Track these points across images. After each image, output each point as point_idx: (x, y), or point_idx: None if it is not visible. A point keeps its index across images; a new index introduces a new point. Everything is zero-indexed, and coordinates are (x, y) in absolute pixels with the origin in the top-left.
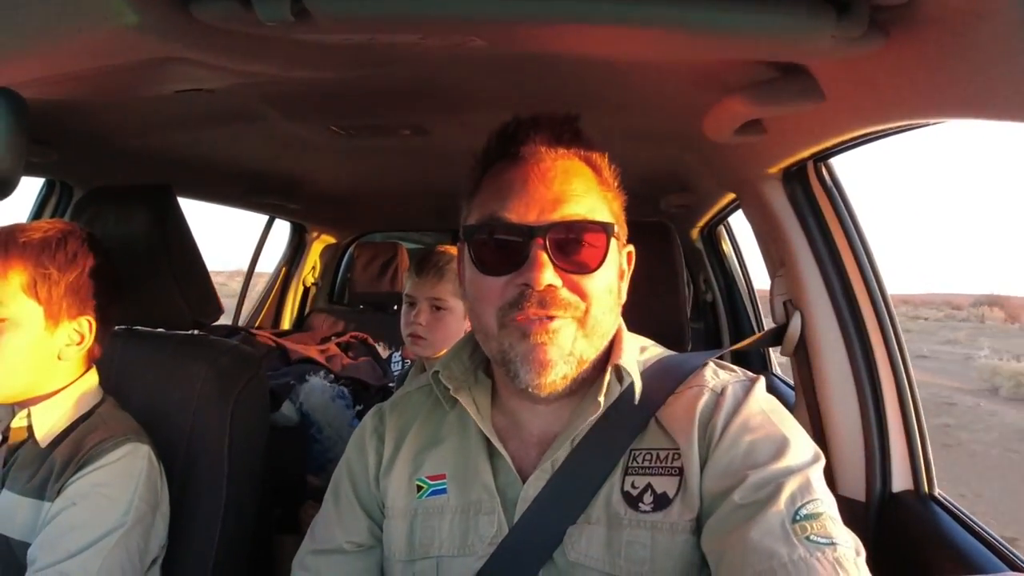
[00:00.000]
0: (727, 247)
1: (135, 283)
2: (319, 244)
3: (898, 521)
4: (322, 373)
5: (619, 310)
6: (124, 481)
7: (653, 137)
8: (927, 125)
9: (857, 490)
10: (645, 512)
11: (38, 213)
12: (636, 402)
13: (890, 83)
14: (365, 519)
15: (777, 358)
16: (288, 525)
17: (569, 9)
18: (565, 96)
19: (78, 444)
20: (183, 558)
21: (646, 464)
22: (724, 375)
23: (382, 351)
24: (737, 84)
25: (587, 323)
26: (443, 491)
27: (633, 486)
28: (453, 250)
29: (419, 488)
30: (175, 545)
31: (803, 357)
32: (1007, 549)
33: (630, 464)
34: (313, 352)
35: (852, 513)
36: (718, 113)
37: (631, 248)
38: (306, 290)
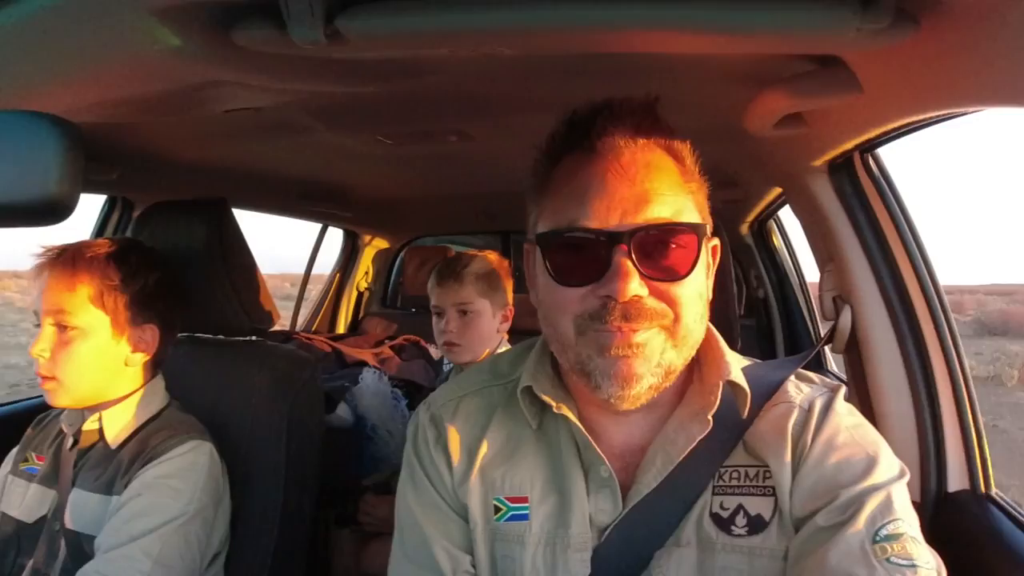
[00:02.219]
0: (778, 242)
1: (195, 293)
2: (371, 249)
3: (953, 522)
4: (376, 375)
5: (707, 314)
6: (187, 474)
7: (694, 134)
8: (967, 114)
9: (911, 490)
10: (739, 536)
11: (101, 229)
12: (745, 417)
13: (925, 72)
14: (463, 525)
15: (831, 354)
16: (343, 518)
17: (592, 15)
18: (602, 96)
19: (144, 443)
20: (244, 554)
21: (734, 483)
22: (806, 388)
23: (434, 353)
24: (774, 78)
25: (677, 332)
26: (524, 517)
27: (723, 507)
28: (472, 252)
29: (497, 509)
30: (236, 541)
31: (854, 354)
32: None
33: (717, 483)
34: (367, 355)
35: None
36: (758, 108)
37: (716, 241)
38: (360, 295)
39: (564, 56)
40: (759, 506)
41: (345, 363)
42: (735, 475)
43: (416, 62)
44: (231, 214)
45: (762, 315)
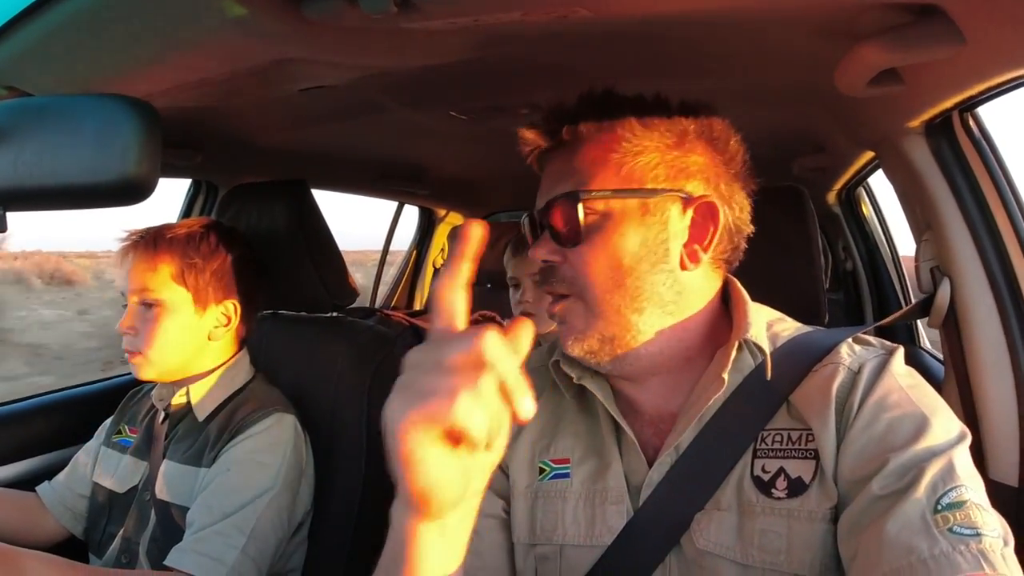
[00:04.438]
0: (868, 211)
1: (278, 271)
2: (446, 226)
3: None
4: None
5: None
6: (273, 448)
7: (779, 96)
8: None
9: (1009, 474)
10: (779, 499)
11: (187, 211)
12: (768, 379)
13: None
14: (507, 486)
15: (926, 331)
16: None
17: None
18: (680, 60)
19: (231, 416)
20: (326, 524)
21: (777, 446)
22: (861, 351)
23: None
24: (867, 31)
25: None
26: (566, 475)
27: (764, 470)
28: None
29: (541, 471)
30: (319, 512)
31: (952, 329)
32: None
33: (759, 446)
34: None
35: (1002, 500)
36: (849, 64)
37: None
38: (436, 271)
39: (635, 20)
40: (800, 469)
41: (422, 338)
42: (777, 438)
43: (486, 31)
44: (310, 194)
45: (851, 289)
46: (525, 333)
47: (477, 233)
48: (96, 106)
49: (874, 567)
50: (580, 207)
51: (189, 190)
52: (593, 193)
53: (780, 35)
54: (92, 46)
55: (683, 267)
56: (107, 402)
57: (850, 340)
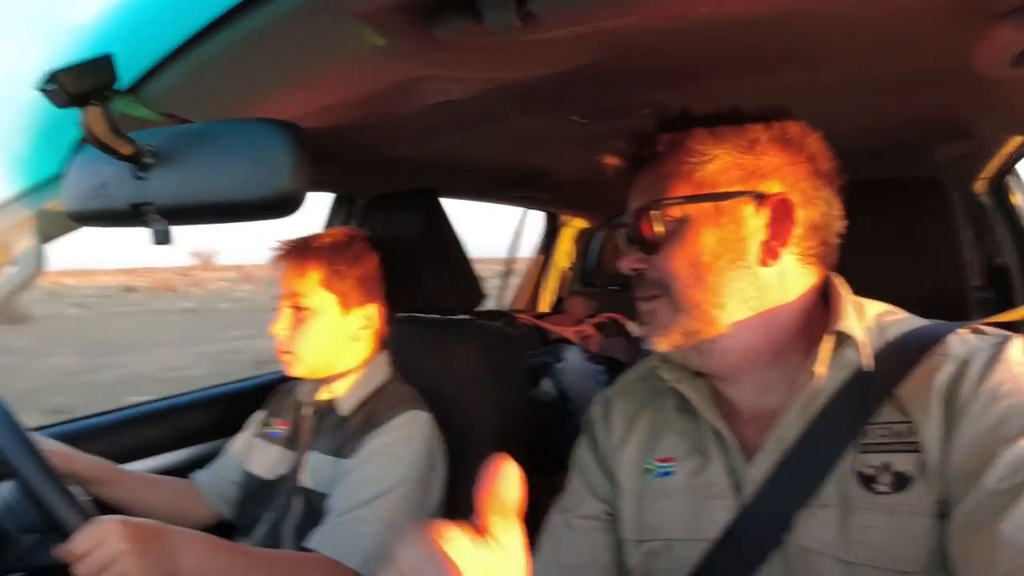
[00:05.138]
0: (1018, 200)
1: (412, 276)
2: (571, 230)
3: None
4: (578, 352)
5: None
6: (408, 442)
7: (914, 82)
8: None
9: None
10: (882, 493)
11: (330, 222)
12: (866, 370)
13: None
14: (613, 490)
15: None
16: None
17: None
18: (806, 50)
19: (370, 412)
20: (457, 518)
21: (881, 440)
22: (974, 340)
23: (632, 330)
24: (1007, 5)
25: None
26: (670, 473)
27: (868, 465)
28: None
29: (647, 471)
30: (450, 506)
31: None
32: None
33: (863, 441)
34: (569, 332)
35: None
36: (989, 44)
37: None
38: (561, 274)
39: (762, 12)
40: (904, 463)
41: (548, 340)
42: (882, 432)
43: (605, 37)
44: (439, 203)
45: (1003, 285)
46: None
47: (509, 478)
48: (249, 129)
49: (988, 567)
50: (657, 215)
51: (332, 203)
52: (668, 201)
53: (907, 19)
54: (243, 75)
55: (762, 263)
56: (258, 397)
57: (963, 330)
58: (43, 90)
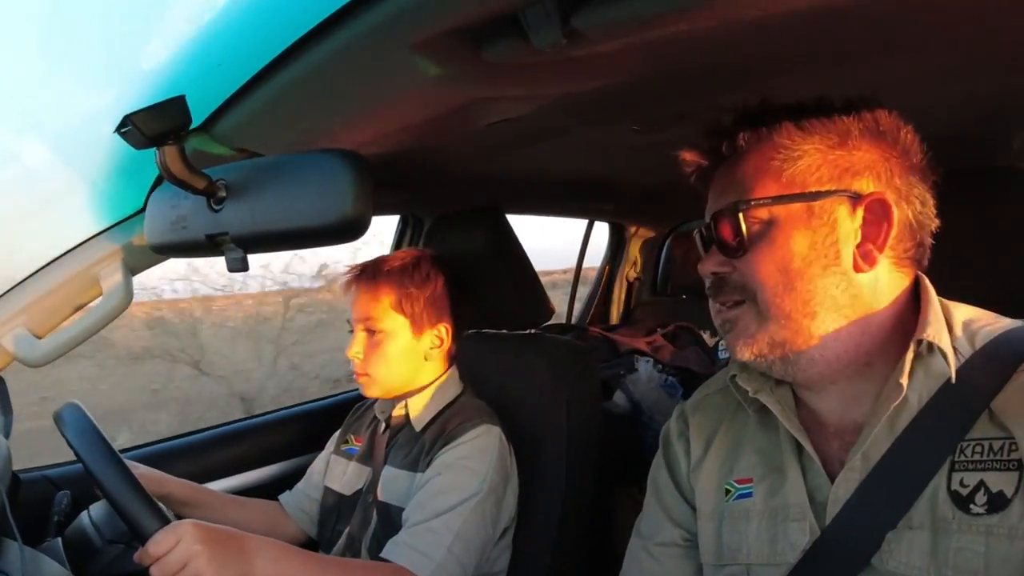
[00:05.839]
0: None
1: (480, 293)
2: (638, 240)
3: None
4: (650, 363)
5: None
6: (481, 455)
7: (985, 69)
8: None
9: None
10: (978, 515)
11: (398, 243)
12: (954, 381)
13: None
14: (692, 513)
15: None
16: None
17: None
18: (865, 43)
19: (443, 426)
20: (529, 530)
21: (977, 457)
22: None
23: (708, 339)
24: None
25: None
26: (749, 495)
27: (962, 484)
28: None
29: (727, 492)
30: (523, 518)
31: None
32: None
33: (957, 458)
34: (640, 343)
35: None
36: None
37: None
38: (629, 285)
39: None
40: (1001, 481)
41: (619, 352)
42: (978, 449)
43: (655, 46)
44: (505, 219)
45: None
46: None
47: None
48: (315, 160)
49: None
50: (743, 217)
51: (399, 224)
52: (755, 202)
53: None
54: (308, 109)
55: (857, 269)
56: (337, 415)
57: None
58: (120, 133)
